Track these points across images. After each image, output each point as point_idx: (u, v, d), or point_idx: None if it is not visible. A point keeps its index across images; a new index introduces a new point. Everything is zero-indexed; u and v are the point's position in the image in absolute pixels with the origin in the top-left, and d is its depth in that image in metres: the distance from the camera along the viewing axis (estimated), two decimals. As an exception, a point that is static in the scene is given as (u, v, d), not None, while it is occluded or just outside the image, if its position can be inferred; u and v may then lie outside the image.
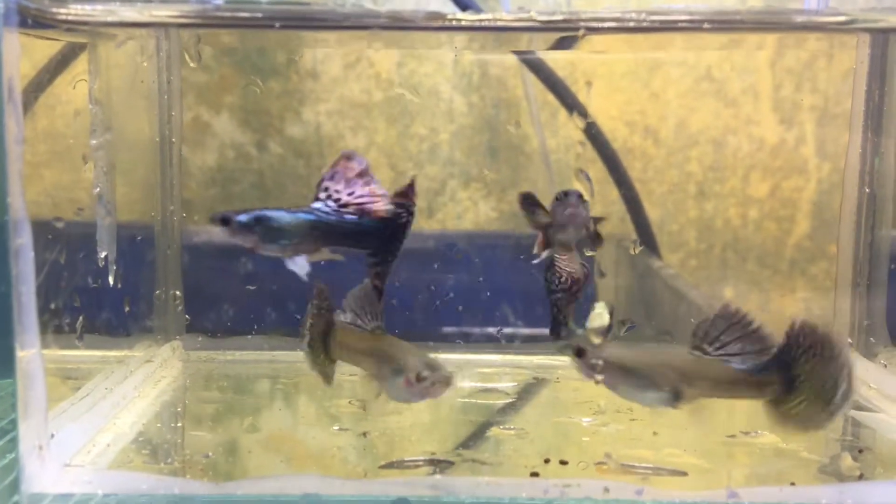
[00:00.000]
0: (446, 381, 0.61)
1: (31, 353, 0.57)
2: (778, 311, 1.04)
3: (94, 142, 0.74)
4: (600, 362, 0.61)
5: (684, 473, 0.63)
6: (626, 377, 0.61)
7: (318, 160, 1.05)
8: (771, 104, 1.05)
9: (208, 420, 0.78)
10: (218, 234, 0.67)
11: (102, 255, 0.76)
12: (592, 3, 0.93)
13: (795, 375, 0.60)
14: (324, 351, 0.68)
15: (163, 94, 0.88)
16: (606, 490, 0.57)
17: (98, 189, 0.76)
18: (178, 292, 0.91)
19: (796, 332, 0.60)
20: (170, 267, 0.91)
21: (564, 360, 0.88)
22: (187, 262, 0.94)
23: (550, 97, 1.00)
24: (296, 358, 0.90)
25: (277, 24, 0.72)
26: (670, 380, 0.60)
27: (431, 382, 0.60)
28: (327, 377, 0.68)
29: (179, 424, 0.77)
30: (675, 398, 0.61)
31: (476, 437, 0.71)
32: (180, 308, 0.92)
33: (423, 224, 1.04)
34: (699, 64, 1.04)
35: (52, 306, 0.68)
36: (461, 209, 1.06)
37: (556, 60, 0.97)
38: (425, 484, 0.59)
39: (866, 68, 0.87)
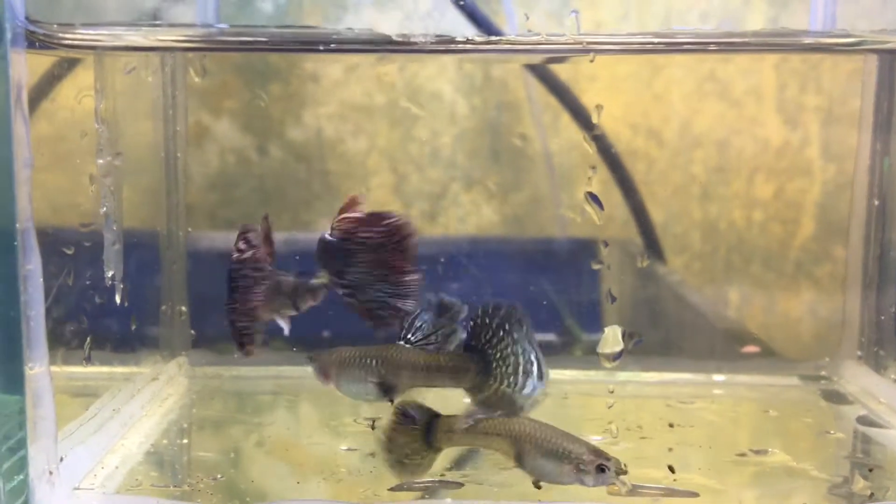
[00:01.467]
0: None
1: (40, 372, 0.57)
2: (783, 313, 1.04)
3: (100, 161, 0.73)
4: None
5: (696, 494, 0.62)
6: (341, 372, 0.62)
7: (318, 164, 1.05)
8: (775, 105, 1.04)
9: (215, 439, 0.78)
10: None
11: (110, 274, 0.76)
12: (597, 18, 0.93)
13: (489, 360, 0.59)
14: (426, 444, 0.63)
15: (168, 108, 0.88)
16: None
17: (105, 209, 0.76)
18: (183, 307, 0.90)
19: (480, 315, 0.59)
20: (175, 282, 0.91)
21: (570, 375, 0.87)
22: (193, 276, 0.93)
23: (553, 99, 1.00)
24: (302, 373, 0.89)
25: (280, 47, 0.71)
26: (377, 372, 0.61)
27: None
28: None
29: (186, 442, 0.77)
30: (386, 390, 0.61)
31: (484, 455, 0.70)
32: (186, 323, 0.91)
33: (425, 228, 1.04)
34: (702, 65, 1.03)
35: (60, 326, 0.68)
36: (463, 213, 1.06)
37: (560, 66, 0.96)
38: None
39: (875, 69, 0.86)
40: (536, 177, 1.04)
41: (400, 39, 0.67)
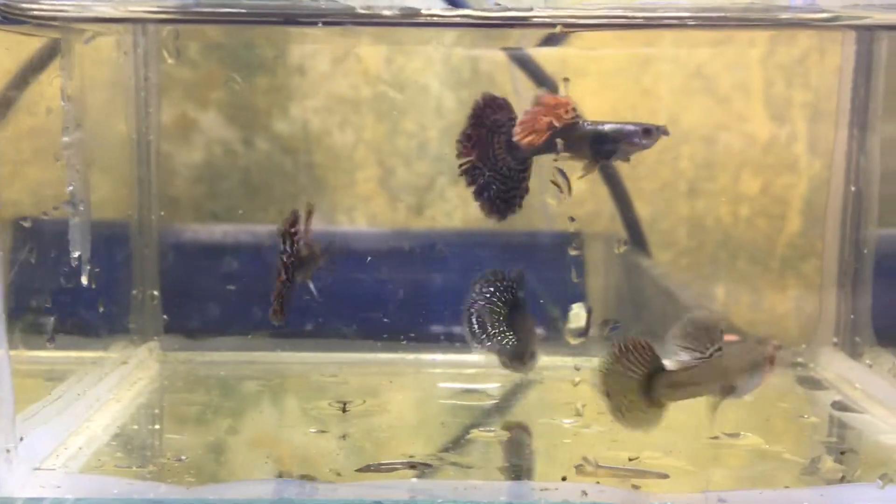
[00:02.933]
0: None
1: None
2: (770, 308, 1.04)
3: (65, 139, 0.73)
4: None
5: (666, 476, 0.62)
6: None
7: (305, 157, 1.04)
8: (762, 101, 1.04)
9: (184, 422, 0.77)
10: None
11: (75, 254, 0.75)
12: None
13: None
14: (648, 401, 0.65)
15: (140, 90, 0.87)
16: (584, 493, 0.57)
17: (71, 188, 0.75)
18: (155, 292, 0.89)
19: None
20: (147, 266, 0.90)
21: (550, 360, 0.87)
22: (165, 261, 0.92)
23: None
24: (276, 359, 0.89)
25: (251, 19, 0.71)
26: None
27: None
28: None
29: (154, 427, 0.76)
30: None
31: (457, 439, 0.70)
32: (158, 308, 0.90)
33: (410, 222, 1.03)
34: (690, 61, 1.03)
35: (22, 306, 0.67)
36: (450, 207, 1.05)
37: (547, 57, 0.95)
38: (402, 487, 0.58)
39: (852, 65, 0.86)
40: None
41: (364, 12, 0.67)
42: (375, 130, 1.05)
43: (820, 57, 1.01)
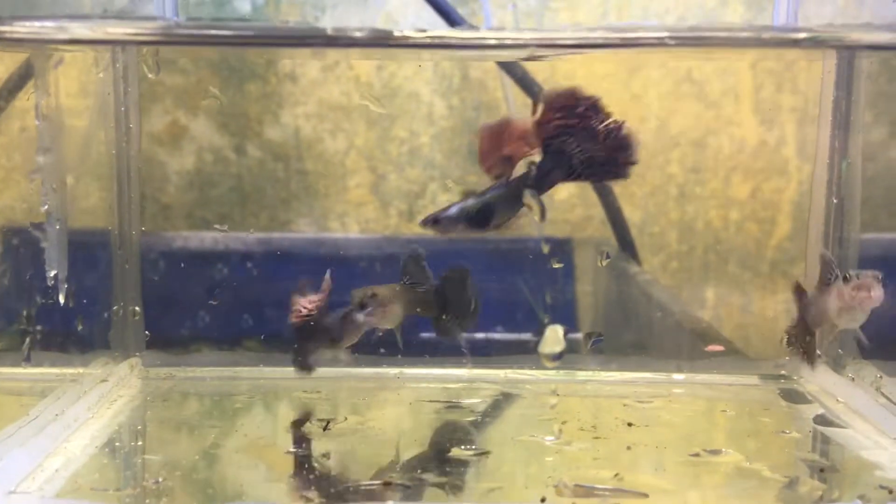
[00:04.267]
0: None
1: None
2: (759, 312, 1.04)
3: (40, 159, 0.72)
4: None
5: (645, 495, 0.62)
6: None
7: (296, 163, 1.05)
8: (752, 105, 1.04)
9: (164, 442, 0.76)
10: None
11: (52, 273, 0.75)
12: (573, 10, 0.93)
13: (446, 300, 0.78)
14: None
15: (119, 105, 0.86)
16: None
17: (45, 207, 0.74)
18: (137, 308, 0.89)
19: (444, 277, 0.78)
20: (128, 281, 0.89)
21: (532, 374, 0.87)
22: (147, 276, 0.92)
23: (529, 99, 1.00)
24: (259, 374, 0.89)
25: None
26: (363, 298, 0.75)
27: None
28: None
29: (134, 446, 0.75)
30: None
31: (436, 459, 0.70)
32: (140, 324, 0.90)
33: (402, 228, 1.04)
34: (680, 66, 1.03)
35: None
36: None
37: (535, 63, 0.96)
38: None
39: (833, 77, 0.87)
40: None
41: (334, 34, 0.67)
42: (367, 137, 1.05)
43: (807, 63, 1.01)
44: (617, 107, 1.02)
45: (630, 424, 0.76)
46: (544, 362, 0.76)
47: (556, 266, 0.85)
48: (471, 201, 0.72)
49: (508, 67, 0.95)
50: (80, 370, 0.81)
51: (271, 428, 0.79)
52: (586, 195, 1.03)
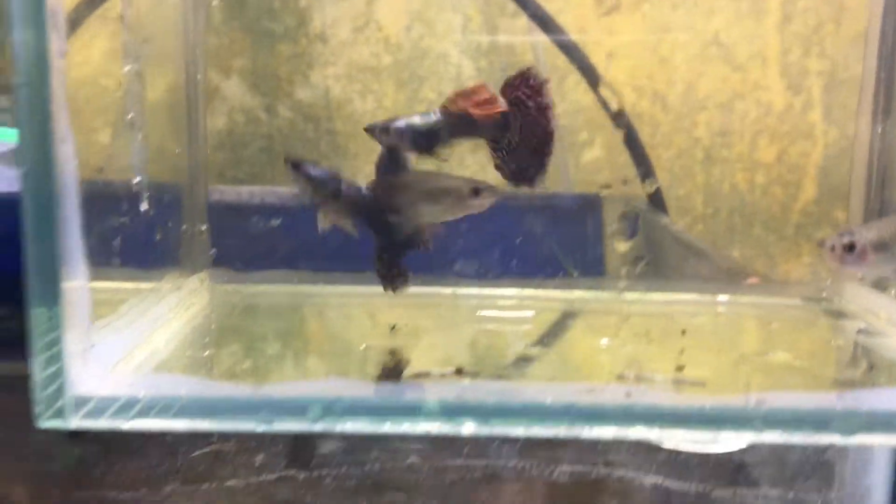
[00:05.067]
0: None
1: (76, 278, 0.59)
2: (784, 273, 1.05)
3: (126, 68, 0.74)
4: None
5: (703, 384, 0.64)
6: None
7: (326, 124, 1.06)
8: (779, 69, 1.05)
9: (240, 339, 0.81)
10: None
11: (136, 179, 0.77)
12: None
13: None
14: None
15: (188, 30, 0.88)
16: (628, 395, 0.59)
17: (131, 114, 0.76)
18: (203, 227, 0.92)
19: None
20: (196, 202, 0.92)
21: (581, 294, 0.91)
22: (213, 196, 0.95)
23: (559, 61, 1.01)
24: (318, 291, 0.93)
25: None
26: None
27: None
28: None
29: (212, 342, 0.79)
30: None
31: (499, 355, 0.74)
32: (206, 243, 0.93)
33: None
34: (707, 29, 1.04)
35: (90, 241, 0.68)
36: (469, 174, 1.07)
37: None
38: (455, 388, 0.62)
39: (878, 30, 0.87)
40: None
41: None
42: (395, 98, 1.06)
43: (835, 27, 1.02)
44: (644, 70, 1.04)
45: (683, 332, 0.80)
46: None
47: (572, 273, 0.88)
48: (417, 119, 0.73)
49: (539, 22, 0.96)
50: (155, 284, 0.84)
51: (344, 328, 0.83)
52: (613, 158, 1.04)
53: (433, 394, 0.59)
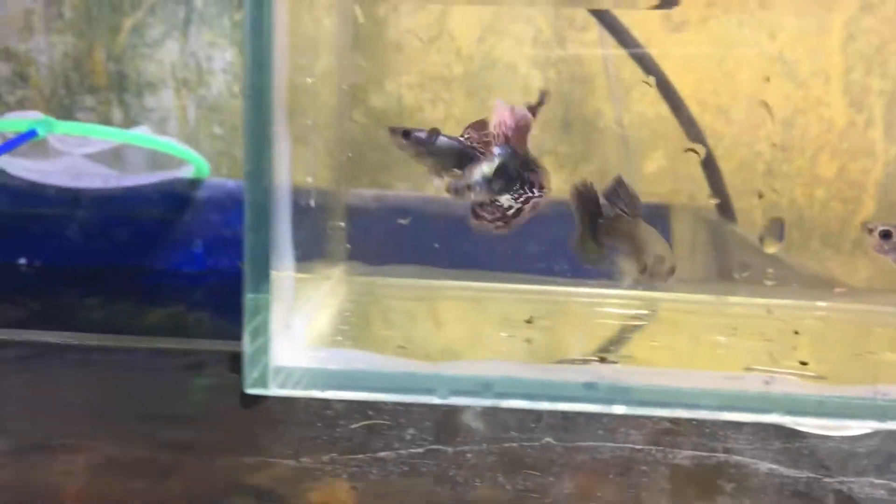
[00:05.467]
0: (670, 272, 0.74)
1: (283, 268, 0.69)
2: (841, 285, 1.07)
3: (309, 80, 0.81)
4: None
5: (824, 378, 0.69)
6: None
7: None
8: (841, 87, 1.07)
9: (392, 325, 0.90)
10: None
11: (308, 179, 0.84)
12: None
13: None
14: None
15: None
16: (767, 383, 0.66)
17: (310, 121, 0.84)
18: (342, 223, 0.98)
19: None
20: (339, 201, 0.99)
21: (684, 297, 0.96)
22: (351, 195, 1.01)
23: (627, 73, 1.04)
24: (446, 286, 0.98)
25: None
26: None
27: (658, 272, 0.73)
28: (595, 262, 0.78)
29: (370, 325, 0.88)
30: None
31: (632, 346, 0.81)
32: (343, 237, 0.99)
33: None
34: (771, 46, 1.06)
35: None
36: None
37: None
38: (602, 372, 0.68)
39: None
40: (605, 149, 1.09)
41: None
42: (464, 106, 1.10)
43: (898, 46, 1.04)
44: (710, 84, 1.07)
45: (796, 332, 0.84)
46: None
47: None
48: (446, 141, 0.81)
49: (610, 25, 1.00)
50: (306, 274, 0.92)
51: (479, 319, 0.91)
52: (676, 168, 1.07)
53: (584, 376, 0.66)
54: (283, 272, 0.69)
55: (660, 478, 0.57)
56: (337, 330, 0.82)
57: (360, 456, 0.59)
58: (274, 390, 0.67)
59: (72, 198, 1.01)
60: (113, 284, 0.99)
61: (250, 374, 0.66)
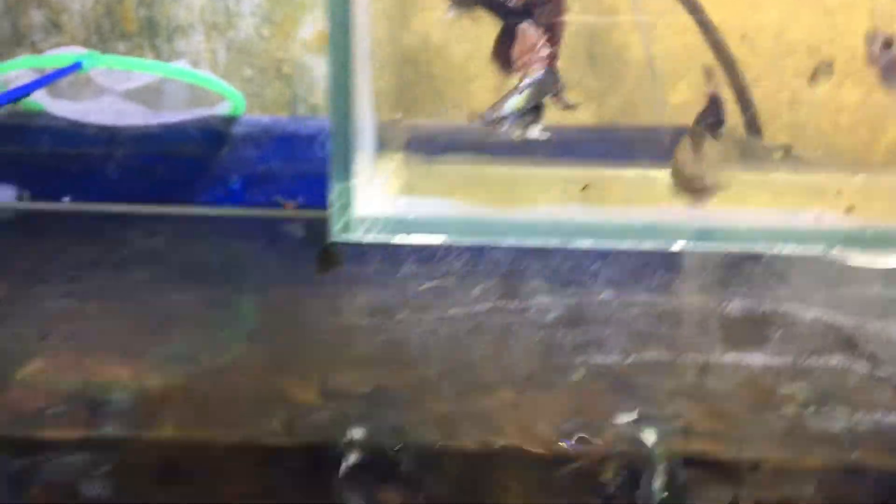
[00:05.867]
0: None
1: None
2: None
3: None
4: None
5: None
6: None
7: (425, 67, 1.11)
8: (866, 13, 1.07)
9: (450, 191, 0.93)
10: None
11: None
12: None
13: None
14: None
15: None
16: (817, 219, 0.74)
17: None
18: (399, 115, 0.99)
19: None
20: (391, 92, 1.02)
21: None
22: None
23: (653, 4, 1.04)
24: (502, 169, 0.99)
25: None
26: None
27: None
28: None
29: (430, 192, 0.91)
30: None
31: None
32: (403, 130, 1.01)
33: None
34: (797, -25, 1.07)
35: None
36: (561, 115, 1.11)
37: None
38: (661, 213, 0.78)
39: None
40: (632, 81, 1.09)
41: None
42: (489, 43, 1.11)
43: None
44: (737, 14, 1.07)
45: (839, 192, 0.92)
46: None
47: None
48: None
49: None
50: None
51: (536, 188, 0.93)
52: (700, 100, 1.08)
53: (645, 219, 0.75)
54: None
55: (711, 328, 0.60)
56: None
57: (430, 314, 0.63)
58: (357, 236, 0.74)
59: (110, 136, 1.03)
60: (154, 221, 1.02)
61: (336, 223, 0.74)
